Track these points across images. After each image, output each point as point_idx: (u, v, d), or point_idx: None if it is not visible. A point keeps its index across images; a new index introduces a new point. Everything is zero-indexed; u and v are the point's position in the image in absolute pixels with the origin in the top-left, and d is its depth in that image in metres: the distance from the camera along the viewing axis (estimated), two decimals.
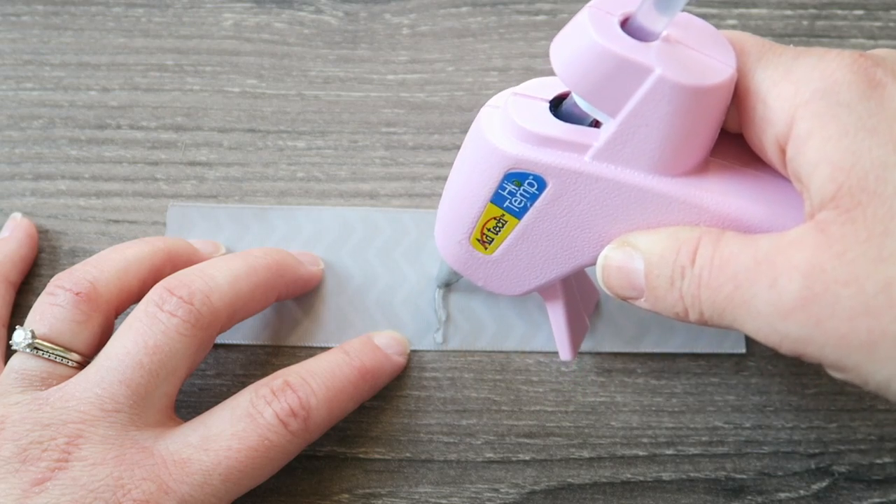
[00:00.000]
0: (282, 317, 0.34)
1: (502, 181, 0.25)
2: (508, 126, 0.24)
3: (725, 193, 0.24)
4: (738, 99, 0.24)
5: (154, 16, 0.38)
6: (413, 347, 0.34)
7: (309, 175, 0.36)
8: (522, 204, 0.25)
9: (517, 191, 0.25)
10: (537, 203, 0.25)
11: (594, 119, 0.24)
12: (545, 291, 0.29)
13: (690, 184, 0.24)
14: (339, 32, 0.38)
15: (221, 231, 0.35)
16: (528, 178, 0.25)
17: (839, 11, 0.38)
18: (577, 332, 0.31)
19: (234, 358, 0.34)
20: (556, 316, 0.30)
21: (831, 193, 0.22)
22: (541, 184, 0.25)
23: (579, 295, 0.32)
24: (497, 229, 0.27)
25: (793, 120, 0.23)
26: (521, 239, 0.26)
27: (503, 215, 0.26)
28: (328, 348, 0.33)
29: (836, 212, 0.22)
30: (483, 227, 0.27)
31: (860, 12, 0.38)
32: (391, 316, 0.34)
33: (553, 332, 0.31)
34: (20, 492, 0.25)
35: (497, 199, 0.26)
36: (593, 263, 0.26)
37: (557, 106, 0.25)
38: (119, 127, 0.37)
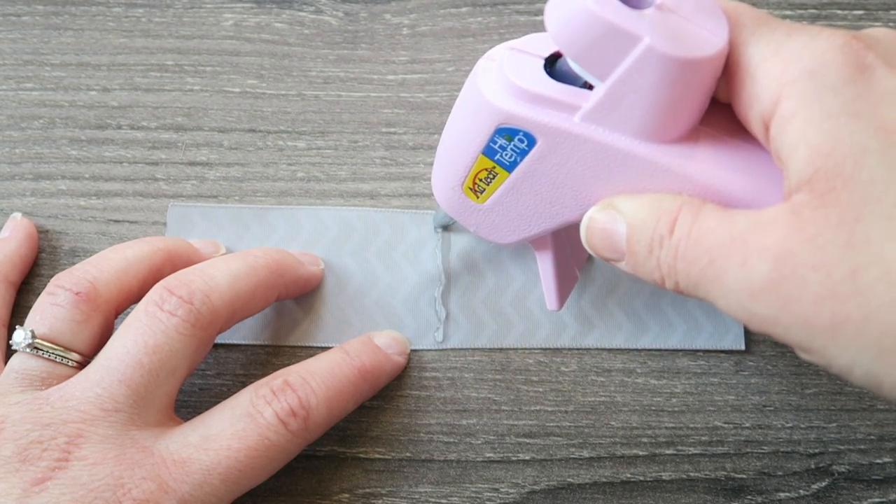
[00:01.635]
0: (282, 317, 0.34)
1: (493, 135, 0.25)
2: (502, 81, 0.25)
3: (711, 164, 0.24)
4: (728, 70, 0.24)
5: (154, 16, 0.38)
6: (413, 347, 0.34)
7: (309, 175, 0.36)
8: (513, 158, 0.26)
9: (508, 145, 0.26)
10: (527, 159, 0.26)
11: (586, 80, 0.24)
12: (535, 242, 0.30)
13: (677, 152, 0.24)
14: (339, 32, 0.38)
15: (221, 231, 0.35)
16: (518, 134, 0.25)
17: (839, 11, 0.38)
18: (565, 283, 0.32)
19: (234, 358, 0.34)
20: (545, 266, 0.30)
21: (808, 176, 0.22)
22: (530, 140, 0.25)
23: (571, 248, 0.32)
24: (488, 180, 0.27)
25: (778, 98, 0.23)
26: (510, 192, 0.27)
27: (494, 167, 0.27)
28: (328, 348, 0.33)
29: (811, 195, 0.22)
30: (475, 176, 0.27)
31: (860, 12, 0.38)
32: (391, 315, 0.34)
33: (542, 281, 0.31)
34: (20, 491, 0.25)
35: (488, 151, 0.26)
36: (579, 221, 0.27)
37: (553, 64, 0.25)
38: (119, 127, 0.37)
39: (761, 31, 0.24)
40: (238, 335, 0.34)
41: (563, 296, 0.32)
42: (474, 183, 0.27)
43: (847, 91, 0.22)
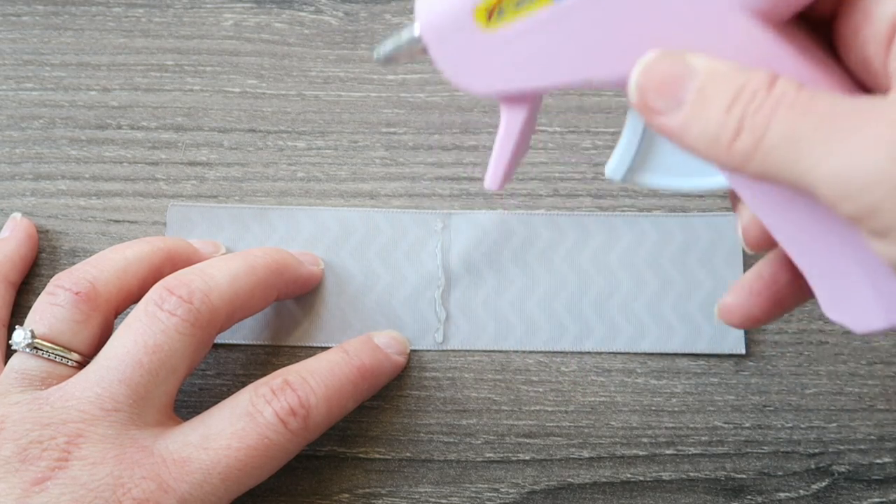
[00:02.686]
0: (282, 317, 0.34)
1: None
2: None
3: (815, 62, 0.21)
4: None
5: (154, 16, 0.38)
6: (413, 347, 0.34)
7: (309, 175, 0.36)
8: None
9: None
10: None
11: None
12: (512, 97, 0.23)
13: (779, 37, 0.20)
14: (339, 32, 0.38)
15: (222, 231, 0.35)
16: None
17: None
18: (518, 157, 0.26)
19: (234, 358, 0.34)
20: (511, 129, 0.24)
21: None
22: None
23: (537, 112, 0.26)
24: (520, 3, 0.21)
25: None
26: (544, 25, 0.21)
27: None
28: (328, 348, 0.33)
29: None
30: None
31: None
32: (391, 316, 0.34)
33: (495, 149, 0.25)
34: (20, 491, 0.25)
35: None
36: (617, 86, 0.22)
37: None
38: (119, 127, 0.37)
39: None
40: (238, 335, 0.34)
41: (509, 173, 0.25)
42: (500, 1, 0.21)
43: None
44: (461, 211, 0.35)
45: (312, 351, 0.34)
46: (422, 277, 0.35)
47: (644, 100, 0.22)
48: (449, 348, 0.34)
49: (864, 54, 0.21)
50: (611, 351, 0.34)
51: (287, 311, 0.34)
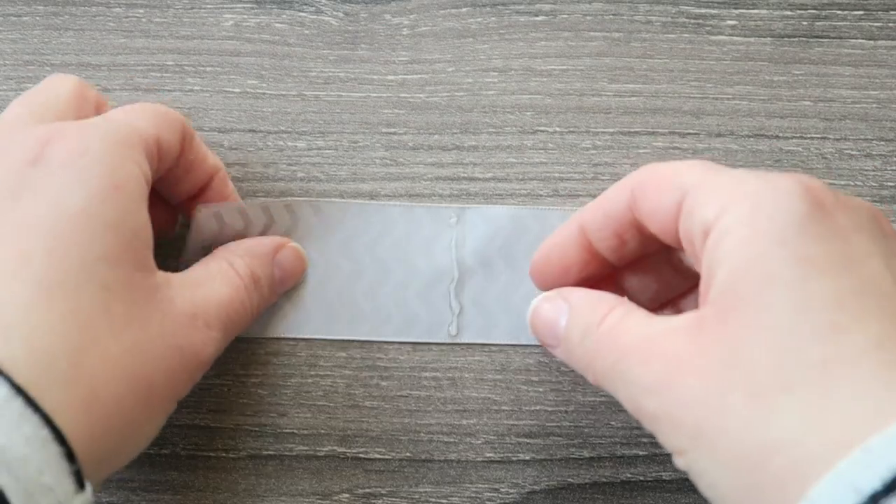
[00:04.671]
0: (295, 310, 0.34)
1: None
2: None
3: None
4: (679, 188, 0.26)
5: (154, 16, 0.38)
6: (428, 340, 0.34)
7: (309, 175, 0.36)
8: None
9: None
10: None
11: None
12: None
13: None
14: (339, 33, 0.38)
15: (251, 226, 0.34)
16: None
17: (839, 12, 0.38)
18: None
19: (234, 358, 0.34)
20: None
21: (721, 292, 0.23)
22: None
23: None
24: None
25: (721, 212, 0.24)
26: None
27: None
28: (341, 342, 0.34)
29: (716, 310, 0.23)
30: None
31: (860, 13, 0.38)
32: (404, 308, 0.34)
33: None
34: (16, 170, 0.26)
35: None
36: None
37: None
38: None
39: (723, 168, 0.25)
40: (255, 330, 0.34)
41: None
42: None
43: (783, 219, 0.23)
44: (475, 206, 0.35)
45: (321, 344, 0.34)
46: (435, 271, 0.35)
47: (539, 339, 0.29)
48: (463, 341, 0.34)
49: (692, 241, 0.25)
50: None
51: (300, 303, 0.34)
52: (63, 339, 0.23)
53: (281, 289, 0.33)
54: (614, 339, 0.25)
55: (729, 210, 0.24)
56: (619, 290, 0.32)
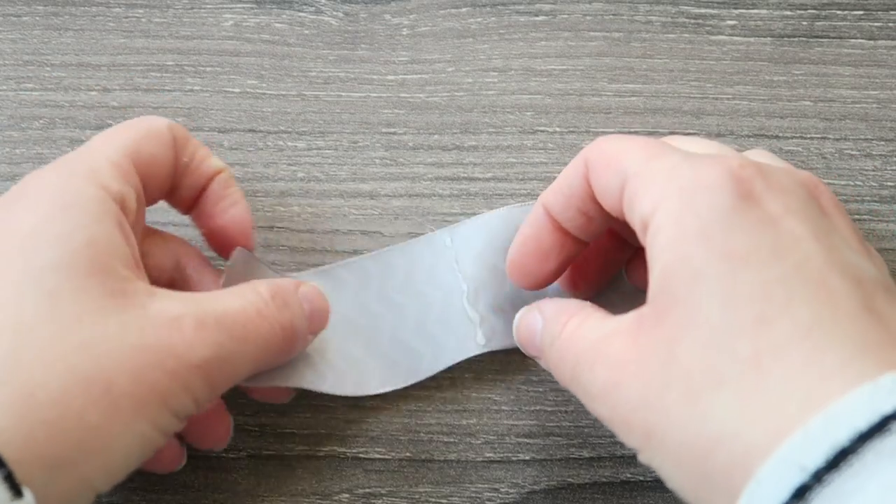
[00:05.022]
0: (332, 367, 0.32)
1: None
2: None
3: None
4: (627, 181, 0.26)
5: (154, 16, 0.38)
6: (458, 357, 0.33)
7: (309, 175, 0.36)
8: None
9: None
10: None
11: None
12: None
13: None
14: (339, 33, 0.38)
15: None
16: None
17: (839, 12, 0.38)
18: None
19: None
20: None
21: (656, 291, 0.24)
22: None
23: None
24: None
25: (655, 210, 0.24)
26: None
27: None
28: (386, 393, 0.33)
29: (652, 310, 0.24)
30: None
31: (860, 13, 0.38)
32: (428, 339, 0.33)
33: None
34: None
35: None
36: None
37: None
38: None
39: (663, 152, 0.25)
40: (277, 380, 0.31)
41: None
42: None
43: (709, 215, 0.23)
44: (462, 219, 0.35)
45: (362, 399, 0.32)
46: (445, 293, 0.34)
47: (526, 352, 0.30)
48: (493, 349, 0.33)
49: (637, 233, 0.26)
50: None
51: (332, 364, 0.32)
52: None
53: (312, 325, 0.30)
54: (571, 346, 0.26)
55: (660, 206, 0.24)
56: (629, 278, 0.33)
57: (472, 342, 0.33)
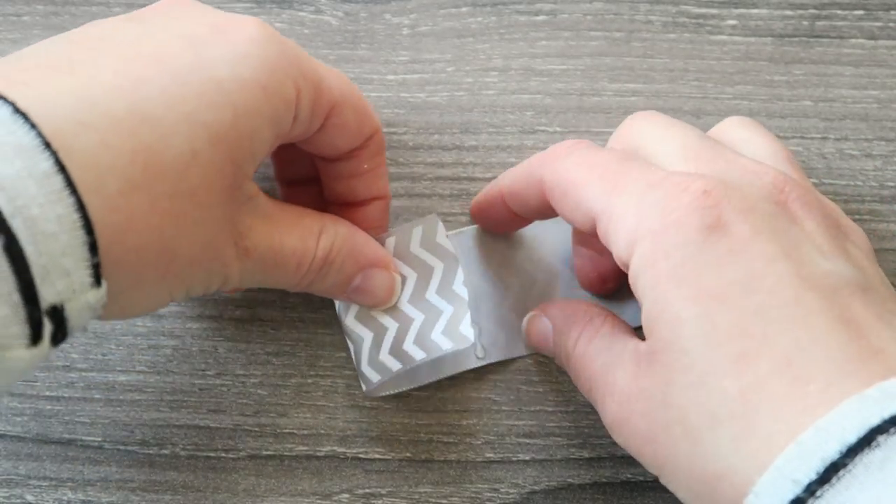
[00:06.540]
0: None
1: None
2: None
3: None
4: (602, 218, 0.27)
5: None
6: (458, 369, 0.33)
7: None
8: None
9: None
10: None
11: None
12: None
13: None
14: (339, 33, 0.38)
15: None
16: None
17: (839, 11, 0.38)
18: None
19: (234, 358, 0.34)
20: None
21: (646, 331, 0.25)
22: None
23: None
24: None
25: (630, 254, 0.25)
26: None
27: None
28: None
29: (648, 347, 0.25)
30: None
31: (860, 12, 0.38)
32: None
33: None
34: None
35: None
36: None
37: None
38: None
39: (623, 182, 0.26)
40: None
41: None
42: None
43: (680, 255, 0.24)
44: (462, 219, 0.35)
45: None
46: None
47: (538, 351, 0.32)
48: (492, 361, 0.33)
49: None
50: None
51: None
52: (130, 163, 0.23)
53: (348, 296, 0.31)
54: (584, 367, 0.28)
55: (634, 251, 0.25)
56: None
57: (472, 356, 0.33)
